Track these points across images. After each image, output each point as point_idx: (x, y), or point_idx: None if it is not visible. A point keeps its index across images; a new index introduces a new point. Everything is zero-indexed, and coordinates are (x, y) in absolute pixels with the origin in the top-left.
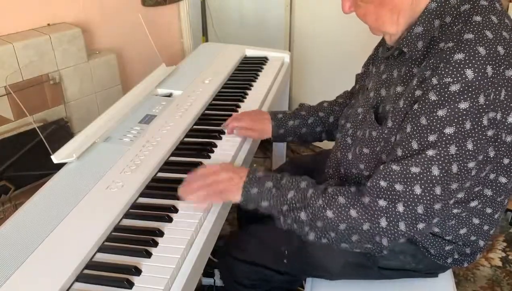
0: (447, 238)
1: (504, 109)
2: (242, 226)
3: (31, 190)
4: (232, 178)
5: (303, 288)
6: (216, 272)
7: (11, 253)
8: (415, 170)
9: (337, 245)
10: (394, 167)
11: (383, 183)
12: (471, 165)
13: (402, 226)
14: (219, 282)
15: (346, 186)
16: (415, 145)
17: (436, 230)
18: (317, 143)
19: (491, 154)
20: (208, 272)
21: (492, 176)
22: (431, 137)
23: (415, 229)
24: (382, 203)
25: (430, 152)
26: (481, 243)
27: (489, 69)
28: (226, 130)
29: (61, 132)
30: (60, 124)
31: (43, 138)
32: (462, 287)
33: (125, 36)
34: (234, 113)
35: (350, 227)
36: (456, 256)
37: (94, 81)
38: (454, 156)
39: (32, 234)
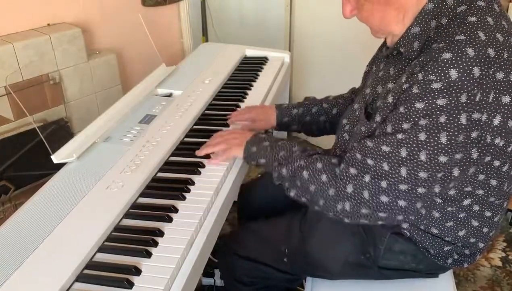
0: (447, 239)
1: (491, 111)
2: (242, 224)
3: (31, 190)
4: (237, 138)
5: (303, 288)
6: (216, 272)
7: (11, 253)
8: (385, 148)
9: (312, 206)
10: (369, 142)
11: (358, 155)
12: (442, 158)
13: (366, 194)
14: (219, 282)
15: (329, 157)
16: (389, 129)
17: (435, 231)
18: (317, 143)
19: (474, 155)
20: (208, 272)
21: (481, 177)
22: (405, 125)
23: (377, 199)
24: (352, 170)
25: (400, 135)
26: (481, 244)
27: (476, 71)
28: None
29: (61, 132)
30: (60, 124)
31: (43, 139)
32: (462, 287)
33: (125, 36)
34: (243, 105)
35: (319, 190)
36: (455, 257)
37: (94, 81)
38: (424, 143)
39: (32, 234)
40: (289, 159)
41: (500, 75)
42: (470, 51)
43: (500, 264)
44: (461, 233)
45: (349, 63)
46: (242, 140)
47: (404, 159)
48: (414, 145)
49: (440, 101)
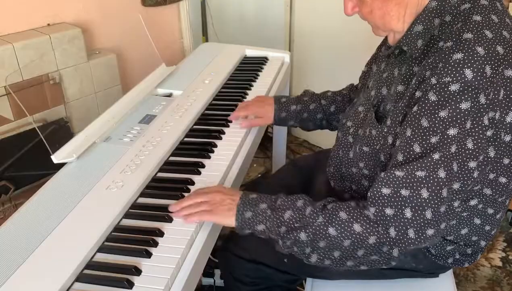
0: (449, 238)
1: (503, 108)
2: None
3: (31, 190)
4: (224, 200)
5: (303, 288)
6: (216, 272)
7: (11, 253)
8: (420, 173)
9: (341, 265)
10: (398, 172)
11: (386, 191)
12: (472, 164)
13: (411, 233)
14: (219, 282)
15: (344, 202)
16: (417, 148)
17: None
18: (317, 143)
19: (491, 154)
20: (208, 272)
21: (491, 176)
22: (434, 139)
23: (424, 235)
24: (388, 211)
25: (436, 155)
26: (482, 243)
27: (487, 69)
28: (232, 120)
29: (61, 132)
30: (60, 124)
31: (43, 139)
32: (463, 287)
33: (125, 36)
34: (239, 103)
35: (355, 242)
36: (457, 256)
37: (94, 81)
38: (454, 154)
39: (32, 234)
40: (303, 220)
41: (509, 72)
42: (480, 50)
43: (500, 264)
44: (464, 231)
45: (349, 63)
46: (231, 204)
47: (443, 179)
48: (448, 160)
49: (464, 105)
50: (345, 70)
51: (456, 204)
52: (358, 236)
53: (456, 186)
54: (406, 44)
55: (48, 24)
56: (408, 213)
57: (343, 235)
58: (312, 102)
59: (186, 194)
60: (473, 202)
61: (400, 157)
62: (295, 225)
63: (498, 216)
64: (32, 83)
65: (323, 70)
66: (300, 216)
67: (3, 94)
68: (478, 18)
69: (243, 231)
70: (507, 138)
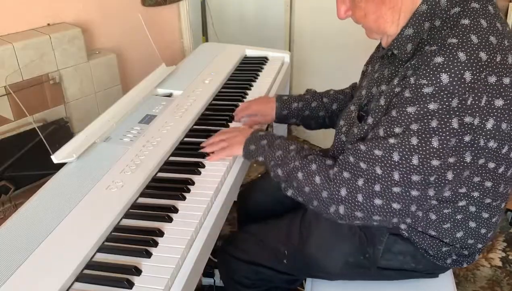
0: (445, 240)
1: (484, 115)
2: (241, 226)
3: (31, 190)
4: (237, 136)
5: (303, 288)
6: (216, 272)
7: (11, 253)
8: (378, 152)
9: (308, 205)
10: (361, 146)
11: (351, 159)
12: (435, 162)
13: (359, 197)
14: (219, 282)
15: (325, 158)
16: (381, 132)
17: (433, 232)
18: (317, 143)
19: (468, 159)
20: (208, 272)
21: (476, 179)
22: (397, 130)
23: (371, 203)
24: (346, 174)
25: (392, 140)
26: (479, 245)
27: (467, 75)
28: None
29: (61, 132)
30: (60, 124)
31: (43, 139)
32: (462, 287)
33: (125, 36)
34: (241, 103)
35: (313, 191)
36: (454, 257)
37: (94, 81)
38: (416, 147)
39: (32, 234)
40: (285, 159)
41: (492, 79)
42: (462, 55)
43: (500, 264)
44: (459, 235)
45: (349, 63)
46: (242, 139)
47: (396, 163)
48: (407, 149)
49: (432, 106)
50: (345, 70)
51: (431, 192)
52: (315, 187)
53: (414, 178)
54: (397, 48)
55: (48, 24)
56: (360, 182)
57: (306, 181)
58: (314, 100)
59: (186, 194)
60: (461, 203)
61: (369, 136)
62: (278, 162)
63: (493, 220)
64: (32, 83)
65: (323, 70)
66: (285, 155)
67: (3, 94)
68: (466, 22)
69: (249, 159)
70: (492, 144)
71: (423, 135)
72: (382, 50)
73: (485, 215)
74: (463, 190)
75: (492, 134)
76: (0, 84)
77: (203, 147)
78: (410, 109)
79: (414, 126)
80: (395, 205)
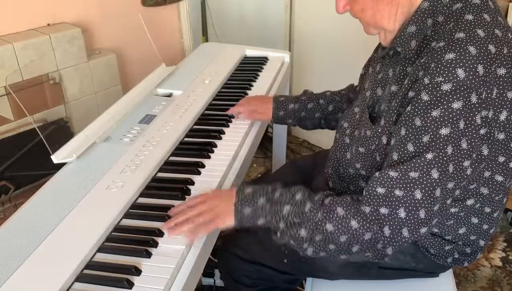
0: (447, 237)
1: (496, 107)
2: None
3: (31, 190)
4: (219, 204)
5: (303, 288)
6: (216, 272)
7: (11, 253)
8: (414, 174)
9: (336, 257)
10: (392, 173)
11: (381, 190)
12: (466, 163)
13: (405, 232)
14: (219, 282)
15: (341, 196)
16: (411, 148)
17: (435, 230)
18: (317, 143)
19: (485, 152)
20: (208, 272)
21: (487, 174)
22: (425, 139)
23: (418, 233)
24: (383, 210)
25: (429, 155)
26: (482, 242)
27: (480, 68)
28: (234, 115)
29: (61, 132)
30: (60, 124)
31: (43, 139)
32: (463, 287)
33: (125, 36)
34: (240, 100)
35: (351, 238)
36: (456, 256)
37: (94, 81)
38: (451, 156)
39: (32, 234)
40: (302, 216)
41: (501, 71)
42: (472, 49)
43: (500, 264)
44: (461, 231)
45: (349, 63)
46: (228, 203)
47: (437, 180)
48: (444, 161)
49: (456, 105)
50: (345, 70)
51: (448, 201)
52: (354, 232)
53: (450, 185)
54: (400, 45)
55: (48, 24)
56: (402, 213)
57: (340, 231)
58: (310, 102)
59: (186, 194)
60: (469, 202)
61: (395, 156)
62: (294, 220)
63: (495, 215)
64: (32, 83)
65: (323, 70)
66: (299, 211)
67: (3, 94)
68: (470, 17)
69: (244, 226)
70: (501, 136)
71: (455, 141)
72: (383, 50)
73: (487, 210)
74: (473, 186)
75: (505, 126)
76: (0, 84)
77: (173, 223)
78: (435, 113)
79: (444, 131)
80: (435, 221)
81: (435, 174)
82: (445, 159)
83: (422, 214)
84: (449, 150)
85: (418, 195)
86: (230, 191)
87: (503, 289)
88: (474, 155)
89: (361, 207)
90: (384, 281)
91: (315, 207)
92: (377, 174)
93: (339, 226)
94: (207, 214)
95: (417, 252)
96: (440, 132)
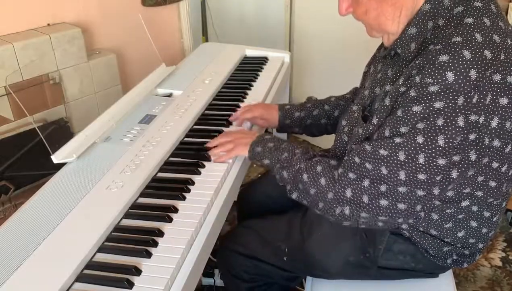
0: (446, 240)
1: (488, 113)
2: (241, 221)
3: (31, 190)
4: (243, 137)
5: (303, 288)
6: (216, 272)
7: (11, 253)
8: (383, 152)
9: (313, 208)
10: (367, 146)
11: (357, 159)
12: (440, 161)
13: (365, 198)
14: (219, 282)
15: (330, 159)
16: (387, 133)
17: (434, 232)
18: (317, 143)
19: (472, 157)
20: (208, 272)
21: (480, 179)
22: (403, 129)
23: (377, 203)
24: (351, 175)
25: (398, 139)
26: (480, 245)
27: (472, 73)
28: (234, 123)
29: (61, 132)
30: (60, 124)
31: (43, 138)
32: (463, 287)
33: (125, 36)
34: (243, 105)
35: (318, 193)
36: (455, 257)
37: (94, 81)
38: (422, 146)
39: (32, 234)
40: (291, 161)
41: (497, 77)
42: (467, 54)
43: (500, 264)
44: (460, 234)
45: (349, 63)
46: (248, 140)
47: (402, 162)
48: (412, 148)
49: (438, 104)
50: (345, 70)
51: (435, 191)
52: (320, 188)
53: (421, 176)
54: (400, 47)
55: (48, 24)
56: (366, 183)
57: (312, 183)
58: (315, 108)
59: (186, 194)
60: (465, 203)
61: (374, 136)
62: (284, 164)
63: (495, 219)
64: (32, 83)
65: (323, 70)
66: (291, 158)
67: (3, 94)
68: (470, 20)
69: (255, 161)
70: (496, 143)
71: (429, 134)
72: (384, 50)
73: (487, 214)
74: (467, 190)
75: (497, 133)
76: (0, 84)
77: (208, 148)
78: (416, 108)
79: (420, 125)
80: (401, 205)
81: (401, 156)
82: (414, 146)
83: (383, 187)
84: (420, 139)
85: (384, 171)
86: (255, 132)
87: (503, 289)
88: (455, 157)
89: (335, 170)
90: (383, 281)
91: (302, 158)
92: (355, 145)
93: (312, 179)
94: (232, 142)
95: (417, 253)
96: (417, 125)
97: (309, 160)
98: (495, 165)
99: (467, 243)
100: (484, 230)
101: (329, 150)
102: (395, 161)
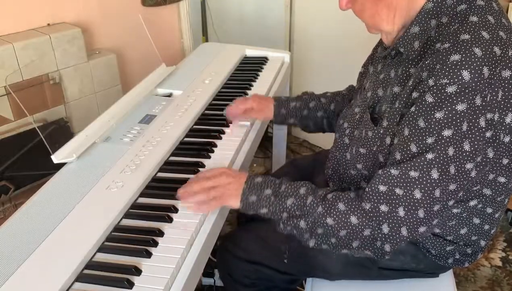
0: (448, 238)
1: (502, 110)
2: (241, 224)
3: (31, 190)
4: (231, 183)
5: (303, 288)
6: (216, 272)
7: (11, 253)
8: (414, 174)
9: (338, 251)
10: (393, 171)
11: (382, 188)
12: (468, 166)
13: (404, 231)
14: (219, 282)
15: (345, 191)
16: (413, 148)
17: (437, 230)
18: (317, 143)
19: (490, 155)
20: (208, 272)
21: (491, 176)
22: (429, 140)
23: (416, 232)
24: (383, 208)
25: (429, 155)
26: (482, 242)
27: (485, 70)
28: (228, 118)
29: (61, 132)
30: (60, 124)
31: (43, 138)
32: (463, 287)
33: (125, 36)
34: (237, 98)
35: (351, 233)
36: (457, 256)
37: (94, 81)
38: (452, 157)
39: (32, 234)
40: (303, 208)
41: (506, 73)
42: (478, 51)
43: (500, 264)
44: (463, 231)
45: (349, 63)
46: (238, 187)
47: (436, 180)
48: (444, 162)
49: (460, 107)
50: (345, 70)
51: (451, 202)
52: (353, 228)
53: (452, 187)
54: (403, 46)
55: (48, 24)
56: (401, 212)
57: (340, 225)
58: (311, 100)
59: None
60: (472, 203)
61: (397, 156)
62: (296, 212)
63: (497, 215)
64: (32, 83)
65: (323, 70)
66: (301, 204)
67: (3, 94)
68: (474, 19)
69: (247, 212)
70: (506, 139)
71: (457, 143)
72: (384, 50)
73: (489, 210)
74: (477, 187)
75: (509, 128)
76: (0, 84)
77: (186, 193)
78: (438, 114)
79: (446, 133)
80: (435, 221)
81: (435, 174)
82: (446, 159)
83: (421, 213)
84: (451, 151)
85: (417, 194)
86: (242, 174)
87: (503, 289)
88: (478, 158)
89: (362, 203)
90: (384, 281)
91: (316, 201)
92: (380, 171)
93: (339, 221)
94: (220, 189)
95: (418, 253)
96: (443, 133)
97: (324, 199)
98: (505, 161)
99: (469, 241)
100: (486, 227)
101: (328, 151)
102: (429, 181)
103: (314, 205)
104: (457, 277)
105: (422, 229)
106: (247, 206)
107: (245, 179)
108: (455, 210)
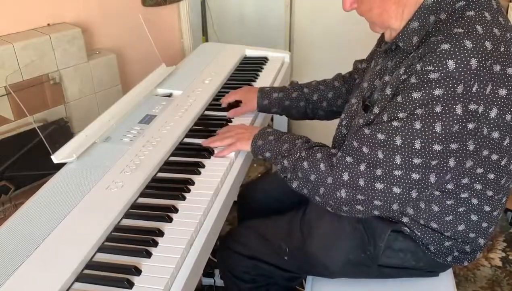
0: (446, 234)
1: (488, 103)
2: (241, 221)
3: (31, 190)
4: (245, 132)
5: (303, 288)
6: (216, 272)
7: (11, 253)
8: (380, 136)
9: (313, 198)
10: (365, 130)
11: (355, 143)
12: (436, 147)
13: (361, 182)
14: (219, 282)
15: (330, 148)
16: (385, 117)
17: (435, 225)
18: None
19: (471, 147)
20: (208, 272)
21: (479, 171)
22: (401, 115)
23: (372, 186)
24: (348, 159)
25: (395, 123)
26: (481, 241)
27: (473, 62)
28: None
29: (61, 132)
30: (60, 124)
31: (43, 138)
32: (463, 287)
33: (125, 36)
34: (228, 92)
35: (318, 179)
36: (456, 254)
37: (94, 81)
38: (418, 131)
39: (32, 234)
40: (291, 150)
41: (497, 68)
42: (468, 43)
43: (500, 264)
44: (461, 228)
45: (349, 63)
46: (249, 135)
47: (398, 147)
48: (409, 133)
49: (437, 92)
50: (345, 70)
51: (432, 179)
52: (320, 173)
53: (416, 161)
54: (402, 40)
55: (48, 24)
56: (362, 166)
57: (311, 169)
58: (294, 91)
59: (186, 194)
60: (464, 195)
61: (374, 121)
62: (285, 154)
63: (495, 214)
64: (32, 83)
65: (323, 70)
66: (291, 147)
67: (3, 94)
68: (471, 13)
69: (256, 155)
70: (495, 135)
71: (427, 120)
72: (385, 45)
73: (487, 208)
74: (466, 181)
75: (496, 124)
76: (0, 84)
77: (209, 142)
78: (416, 94)
79: (418, 111)
80: (396, 189)
81: (398, 141)
82: (411, 131)
83: (379, 171)
84: (417, 125)
85: (380, 155)
86: (256, 127)
87: (503, 289)
88: (452, 145)
89: (333, 156)
90: (384, 279)
91: (302, 147)
92: (356, 129)
93: (311, 165)
94: (236, 136)
95: (418, 250)
96: (415, 111)
97: (310, 148)
98: (494, 157)
99: (467, 238)
100: (484, 225)
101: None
102: (392, 145)
103: (299, 149)
104: (457, 277)
105: (378, 185)
106: (255, 149)
107: (257, 130)
108: (448, 202)
